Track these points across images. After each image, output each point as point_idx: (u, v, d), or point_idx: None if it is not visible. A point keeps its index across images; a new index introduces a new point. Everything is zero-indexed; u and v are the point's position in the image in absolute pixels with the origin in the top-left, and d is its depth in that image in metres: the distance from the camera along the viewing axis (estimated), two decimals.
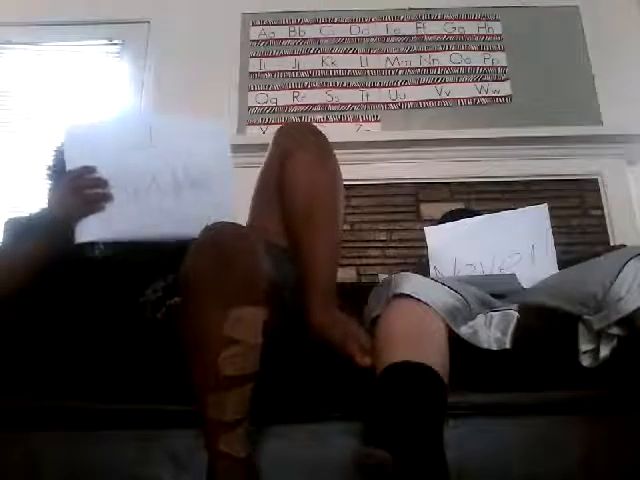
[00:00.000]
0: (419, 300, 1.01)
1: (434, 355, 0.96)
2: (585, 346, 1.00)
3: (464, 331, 1.05)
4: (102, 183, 1.07)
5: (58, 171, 1.19)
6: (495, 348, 1.03)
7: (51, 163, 1.26)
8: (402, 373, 0.92)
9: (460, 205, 1.86)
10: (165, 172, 1.09)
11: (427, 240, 1.52)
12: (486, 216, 1.54)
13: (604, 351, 0.98)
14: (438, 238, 1.52)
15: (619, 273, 0.98)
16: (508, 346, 1.03)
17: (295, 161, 1.13)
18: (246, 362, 0.89)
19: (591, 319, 0.99)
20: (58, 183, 1.15)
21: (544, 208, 1.47)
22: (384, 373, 0.93)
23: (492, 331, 1.05)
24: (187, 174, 1.08)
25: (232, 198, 1.12)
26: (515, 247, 1.40)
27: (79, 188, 1.07)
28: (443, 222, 1.64)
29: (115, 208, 1.07)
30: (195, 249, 0.92)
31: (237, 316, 0.88)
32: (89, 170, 1.07)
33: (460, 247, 1.47)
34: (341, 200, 1.16)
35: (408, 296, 1.02)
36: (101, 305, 1.10)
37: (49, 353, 1.06)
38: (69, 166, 1.09)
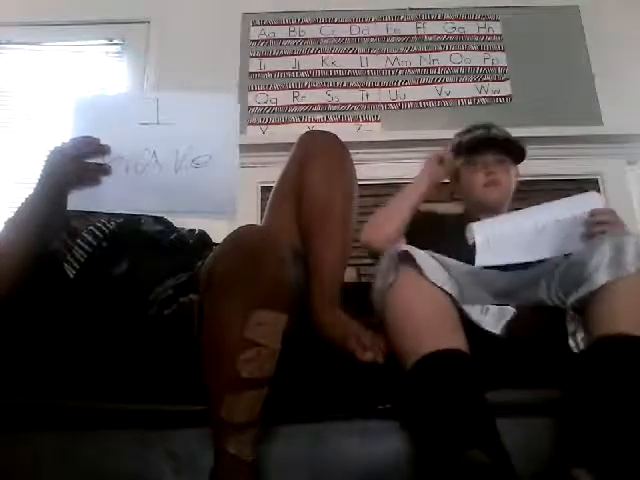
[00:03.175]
0: (428, 279, 1.03)
1: (460, 337, 0.98)
2: (571, 327, 1.01)
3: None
4: (104, 151, 1.05)
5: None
6: (484, 327, 1.04)
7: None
8: (444, 363, 0.94)
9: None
10: (167, 149, 1.07)
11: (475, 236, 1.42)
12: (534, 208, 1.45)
13: (580, 334, 1.00)
14: (484, 233, 1.42)
15: (595, 252, 1.01)
16: (498, 332, 1.03)
17: (315, 166, 1.17)
18: (263, 366, 0.90)
19: (569, 298, 1.02)
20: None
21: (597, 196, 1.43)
22: (422, 364, 0.94)
23: (486, 318, 1.06)
24: (190, 153, 1.06)
25: (236, 177, 1.09)
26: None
27: (80, 156, 1.06)
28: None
29: (111, 180, 1.06)
30: (223, 249, 0.95)
31: (259, 320, 0.89)
32: (92, 140, 1.06)
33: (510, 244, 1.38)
34: (355, 206, 1.21)
35: (417, 268, 1.03)
36: (103, 304, 1.10)
37: (50, 353, 1.06)
38: (74, 135, 1.08)
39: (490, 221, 1.47)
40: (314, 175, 1.16)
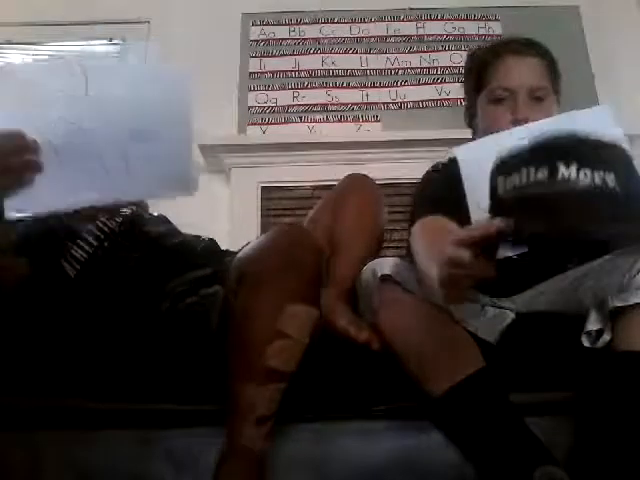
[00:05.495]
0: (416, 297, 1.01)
1: (471, 352, 0.98)
2: (592, 325, 0.96)
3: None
4: (32, 150, 0.91)
5: None
6: (479, 335, 1.02)
7: None
8: (476, 388, 0.94)
9: None
10: (104, 125, 0.94)
11: (460, 164, 1.08)
12: (534, 124, 1.09)
13: (607, 335, 0.94)
14: (471, 158, 1.07)
15: None
16: (492, 340, 1.02)
17: (349, 205, 1.24)
18: (290, 359, 0.93)
19: (609, 297, 0.95)
20: None
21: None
22: (454, 393, 0.94)
23: (482, 322, 1.04)
24: (131, 128, 0.95)
25: (189, 152, 0.99)
26: None
27: (3, 156, 0.91)
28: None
29: (46, 174, 0.92)
30: (262, 242, 1.00)
31: (293, 312, 0.92)
32: (16, 135, 0.92)
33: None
34: (378, 238, 1.28)
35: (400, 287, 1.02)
36: (104, 304, 1.10)
37: (50, 352, 1.06)
38: None
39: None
40: (347, 213, 1.23)
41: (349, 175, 1.32)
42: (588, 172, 0.73)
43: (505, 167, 0.79)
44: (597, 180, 0.73)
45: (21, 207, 0.96)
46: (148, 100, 0.97)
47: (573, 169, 0.74)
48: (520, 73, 1.20)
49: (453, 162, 1.11)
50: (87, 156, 0.95)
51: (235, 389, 0.91)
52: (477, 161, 1.02)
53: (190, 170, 0.99)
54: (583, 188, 0.73)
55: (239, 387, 0.91)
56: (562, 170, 0.74)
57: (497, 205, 0.77)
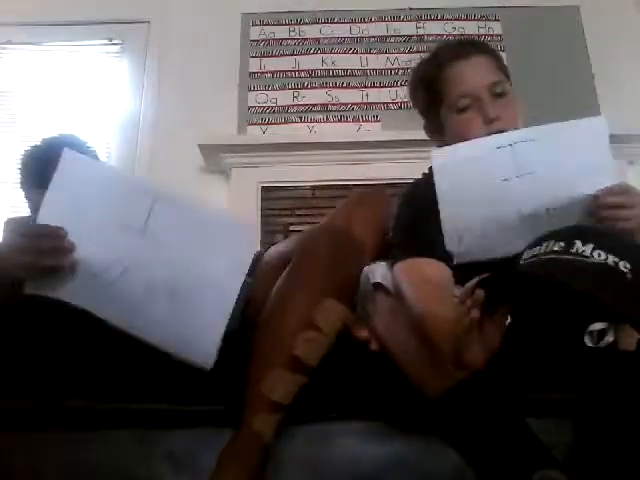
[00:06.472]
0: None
1: None
2: (595, 325, 0.96)
3: None
4: (67, 252, 0.90)
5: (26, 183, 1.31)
6: None
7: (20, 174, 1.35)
8: (475, 390, 0.93)
9: None
10: (141, 269, 0.91)
11: (435, 174, 1.07)
12: (517, 132, 1.08)
13: (610, 337, 0.95)
14: (447, 173, 1.06)
15: None
16: None
17: (358, 218, 1.21)
18: (315, 352, 0.95)
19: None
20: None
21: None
22: (455, 394, 0.93)
23: None
24: (166, 281, 0.92)
25: (223, 325, 0.92)
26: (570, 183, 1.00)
27: (37, 254, 0.90)
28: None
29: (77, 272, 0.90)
30: (312, 235, 1.07)
31: (330, 306, 0.96)
32: (57, 234, 0.90)
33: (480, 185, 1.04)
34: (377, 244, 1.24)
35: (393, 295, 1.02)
36: None
37: (50, 352, 1.06)
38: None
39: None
40: (357, 224, 1.20)
41: (362, 192, 1.33)
42: (603, 253, 0.78)
43: (530, 245, 0.86)
44: (610, 262, 0.78)
45: (42, 288, 0.92)
46: (204, 254, 0.93)
47: (589, 247, 0.79)
48: (473, 75, 1.17)
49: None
50: (119, 288, 0.92)
51: (257, 373, 0.93)
52: (454, 176, 1.06)
53: (214, 348, 0.92)
54: (595, 262, 0.78)
55: (262, 370, 0.92)
56: (578, 245, 0.79)
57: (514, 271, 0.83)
